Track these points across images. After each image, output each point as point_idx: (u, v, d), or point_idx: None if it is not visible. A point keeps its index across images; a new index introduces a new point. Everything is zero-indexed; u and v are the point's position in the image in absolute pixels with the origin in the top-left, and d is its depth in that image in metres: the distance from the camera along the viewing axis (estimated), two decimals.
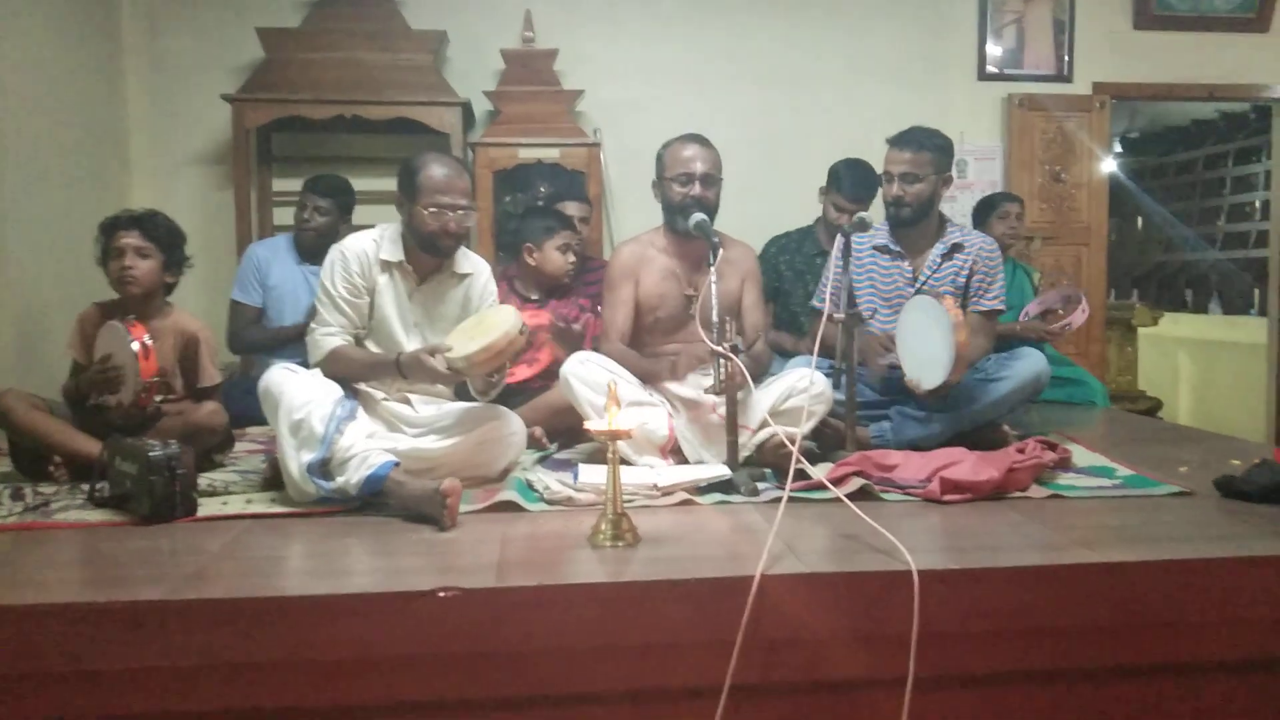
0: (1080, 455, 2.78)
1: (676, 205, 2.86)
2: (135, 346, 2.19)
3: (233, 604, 1.67)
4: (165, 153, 4.81)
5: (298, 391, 2.32)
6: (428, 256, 2.62)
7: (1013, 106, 5.17)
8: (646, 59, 5.01)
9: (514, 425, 2.57)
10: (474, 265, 2.73)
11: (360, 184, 4.50)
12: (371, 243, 2.61)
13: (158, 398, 2.32)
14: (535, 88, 4.69)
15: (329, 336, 2.54)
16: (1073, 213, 5.26)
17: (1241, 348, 6.48)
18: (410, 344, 2.59)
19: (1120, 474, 2.57)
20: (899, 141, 3.04)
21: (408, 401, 2.64)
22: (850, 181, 3.81)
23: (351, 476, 2.24)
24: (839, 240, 2.67)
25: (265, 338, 3.78)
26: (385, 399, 2.61)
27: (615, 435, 1.99)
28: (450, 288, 2.68)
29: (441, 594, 1.70)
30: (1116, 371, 5.90)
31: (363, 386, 2.57)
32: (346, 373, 2.51)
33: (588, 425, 2.03)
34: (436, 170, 2.56)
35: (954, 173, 5.21)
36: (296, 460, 2.27)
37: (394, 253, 2.60)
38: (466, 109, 4.65)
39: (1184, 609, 1.81)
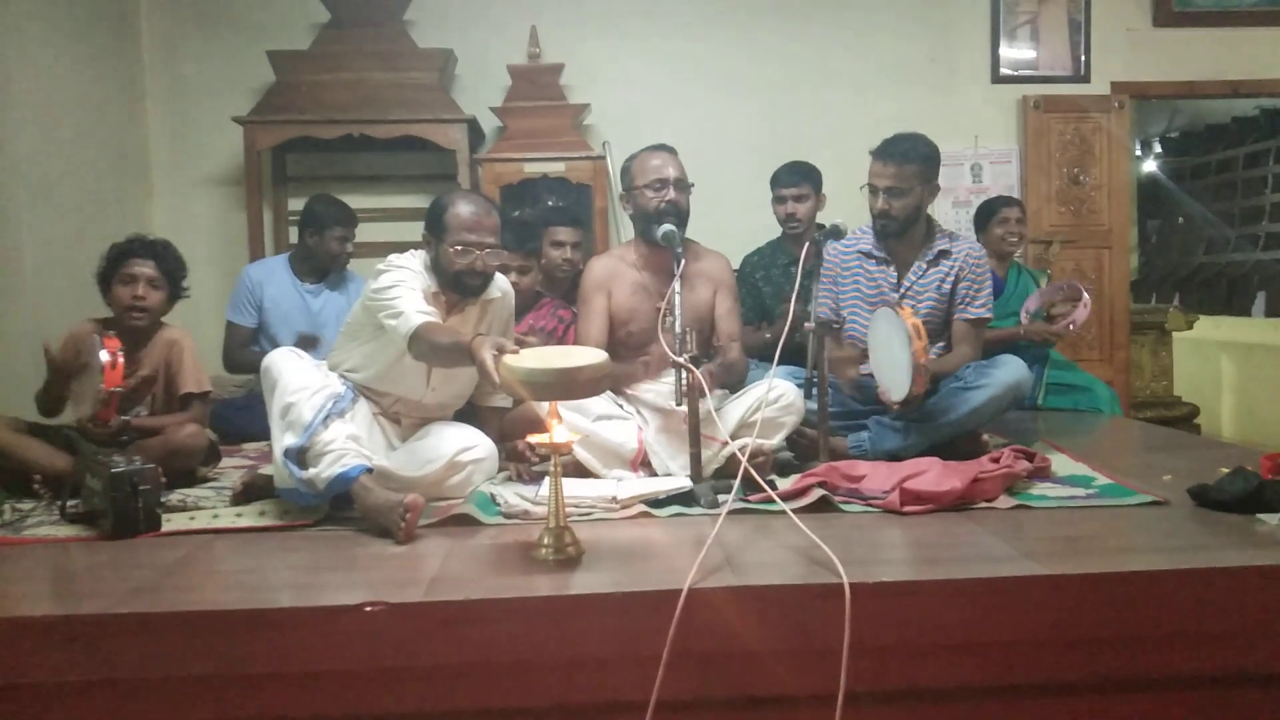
0: (1062, 464, 2.71)
1: (653, 213, 2.83)
2: (104, 357, 2.24)
3: (159, 618, 1.70)
4: (184, 174, 4.93)
5: (295, 376, 2.35)
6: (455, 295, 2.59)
7: (1028, 108, 5.08)
8: (652, 70, 5.01)
9: (485, 451, 2.57)
10: (500, 289, 2.70)
11: (370, 201, 4.61)
12: (422, 270, 2.57)
13: (124, 415, 2.35)
14: (541, 102, 4.72)
15: (421, 314, 2.38)
16: (1092, 215, 5.14)
17: None
18: (432, 375, 2.58)
19: (1098, 483, 2.50)
20: (882, 154, 2.90)
21: (397, 420, 2.67)
22: (782, 173, 3.90)
23: (323, 471, 2.24)
24: (807, 247, 2.63)
25: (259, 360, 3.83)
26: (378, 414, 2.63)
27: (556, 449, 1.99)
28: (474, 315, 2.65)
29: (368, 609, 1.72)
30: (1151, 377, 5.73)
31: (363, 398, 2.57)
32: (430, 346, 2.33)
33: (529, 438, 2.03)
34: (464, 208, 2.54)
35: (969, 178, 5.26)
36: (280, 443, 2.30)
37: (431, 283, 2.57)
38: (474, 126, 4.69)
39: (1127, 623, 1.75)
